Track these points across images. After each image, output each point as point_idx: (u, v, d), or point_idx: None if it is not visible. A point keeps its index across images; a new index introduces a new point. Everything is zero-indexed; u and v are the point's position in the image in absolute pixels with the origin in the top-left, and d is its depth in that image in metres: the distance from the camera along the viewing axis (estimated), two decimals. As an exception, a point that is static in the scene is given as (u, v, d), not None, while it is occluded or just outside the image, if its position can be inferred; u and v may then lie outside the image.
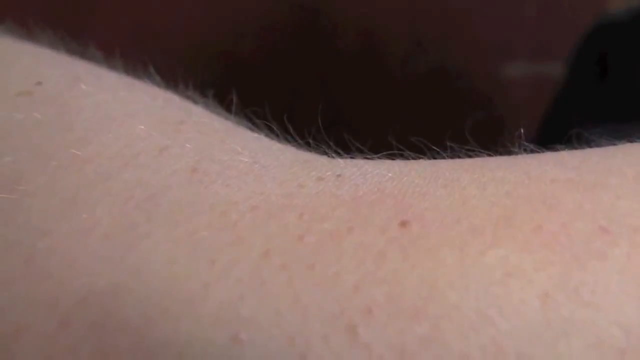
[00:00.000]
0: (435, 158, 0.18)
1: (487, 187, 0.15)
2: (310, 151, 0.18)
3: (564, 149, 0.17)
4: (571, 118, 0.42)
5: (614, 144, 0.17)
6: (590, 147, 0.17)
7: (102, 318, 0.15)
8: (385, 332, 0.13)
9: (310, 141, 0.19)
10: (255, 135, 0.19)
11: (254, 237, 0.15)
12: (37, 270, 0.15)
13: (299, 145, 0.19)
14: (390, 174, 0.16)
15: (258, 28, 0.64)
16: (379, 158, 0.17)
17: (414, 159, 0.17)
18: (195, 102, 0.20)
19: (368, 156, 0.17)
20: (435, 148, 0.18)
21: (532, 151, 0.17)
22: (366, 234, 0.14)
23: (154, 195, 0.16)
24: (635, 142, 0.17)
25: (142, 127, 0.18)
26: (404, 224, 0.14)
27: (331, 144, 0.19)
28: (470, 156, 0.17)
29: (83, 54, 0.22)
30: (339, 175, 0.16)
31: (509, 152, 0.18)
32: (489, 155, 0.18)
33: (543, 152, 0.17)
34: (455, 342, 0.13)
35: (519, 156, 0.17)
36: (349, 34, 0.65)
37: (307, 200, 0.15)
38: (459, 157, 0.18)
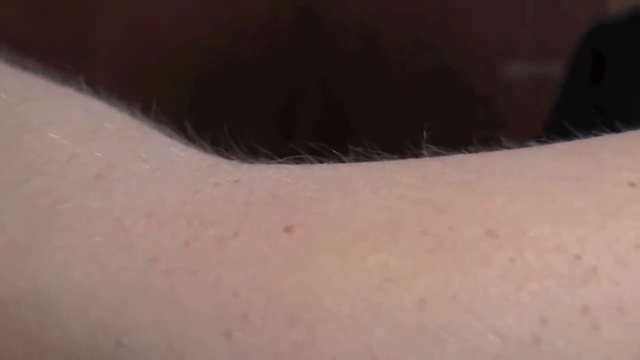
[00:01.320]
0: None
1: (380, 191, 0.15)
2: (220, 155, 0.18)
3: None
4: (568, 120, 0.42)
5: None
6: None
7: (4, 324, 0.15)
8: (260, 337, 0.13)
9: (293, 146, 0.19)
10: (171, 142, 0.19)
11: (143, 243, 0.15)
12: None
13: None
14: (287, 179, 0.16)
15: (258, 28, 0.64)
16: (278, 163, 0.17)
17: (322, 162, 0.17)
18: (120, 110, 0.21)
19: (279, 161, 0.17)
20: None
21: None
22: (251, 239, 0.14)
23: (56, 201, 0.16)
24: (547, 142, 0.17)
25: (56, 135, 0.18)
26: (288, 229, 0.14)
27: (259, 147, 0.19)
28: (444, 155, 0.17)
29: (17, 63, 0.22)
30: (237, 181, 0.16)
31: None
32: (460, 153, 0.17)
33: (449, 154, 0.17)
34: (328, 348, 0.13)
35: (427, 159, 0.17)
36: (349, 34, 0.65)
37: (200, 206, 0.15)
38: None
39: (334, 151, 0.18)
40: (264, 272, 0.14)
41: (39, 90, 0.21)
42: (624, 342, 0.13)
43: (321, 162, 0.17)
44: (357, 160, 0.17)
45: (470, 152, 0.17)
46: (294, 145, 0.19)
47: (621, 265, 0.13)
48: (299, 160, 0.17)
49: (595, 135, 0.17)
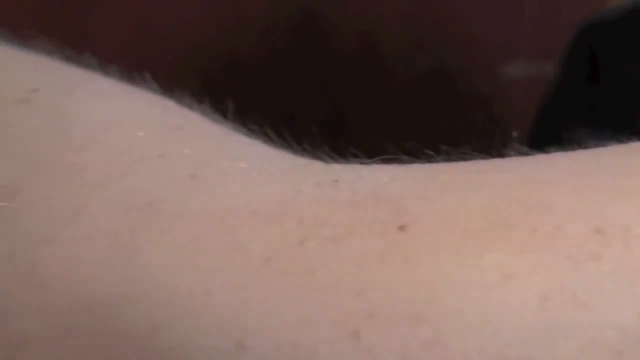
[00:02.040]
0: (430, 161, 0.18)
1: (481, 189, 0.15)
2: (307, 156, 0.18)
3: (555, 151, 0.17)
4: (562, 119, 0.42)
5: (603, 145, 0.17)
6: (580, 148, 0.17)
7: (109, 326, 0.15)
8: (389, 336, 0.13)
9: (307, 147, 0.19)
10: (252, 141, 0.19)
11: (255, 243, 0.15)
12: (40, 278, 0.15)
13: (295, 151, 0.19)
14: (386, 178, 0.16)
15: (258, 29, 0.64)
16: (374, 163, 0.17)
17: (409, 163, 0.17)
18: (192, 108, 0.20)
19: (364, 161, 0.18)
20: (430, 152, 0.18)
21: (525, 154, 0.17)
22: (366, 239, 0.14)
23: (153, 201, 0.16)
24: (624, 142, 0.17)
25: (141, 133, 0.18)
26: (402, 228, 0.14)
27: (326, 149, 0.19)
28: (464, 159, 0.17)
29: (79, 61, 0.22)
30: (336, 181, 0.16)
31: (501, 156, 0.18)
32: (483, 158, 0.18)
33: (534, 154, 0.17)
34: (456, 346, 0.13)
35: (511, 158, 0.17)
36: (349, 35, 0.66)
37: (305, 205, 0.15)
38: (453, 160, 0.18)
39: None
40: (384, 271, 0.14)
41: (109, 87, 0.21)
42: None
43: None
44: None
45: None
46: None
47: None
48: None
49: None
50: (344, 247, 0.14)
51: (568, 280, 0.14)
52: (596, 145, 0.17)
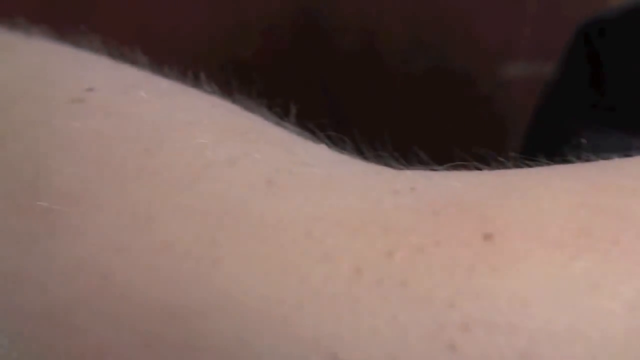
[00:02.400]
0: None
1: (560, 197, 0.15)
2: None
3: (566, 156, 0.17)
4: (562, 120, 0.42)
5: None
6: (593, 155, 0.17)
7: (191, 339, 0.14)
8: (485, 348, 0.13)
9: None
10: (317, 144, 0.18)
11: (343, 253, 0.14)
12: (116, 288, 0.15)
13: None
14: (460, 185, 0.16)
15: (259, 30, 0.64)
16: (443, 169, 0.17)
17: (478, 169, 0.17)
18: (249, 109, 0.20)
19: (434, 167, 0.17)
20: (500, 159, 0.18)
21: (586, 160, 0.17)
22: (453, 248, 0.14)
23: (231, 209, 0.15)
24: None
25: (208, 136, 0.17)
26: (487, 237, 0.14)
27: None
28: (528, 166, 0.17)
29: (127, 59, 0.21)
30: (413, 188, 0.16)
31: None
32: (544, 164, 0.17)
33: (595, 160, 0.17)
34: (552, 355, 0.13)
35: (575, 165, 0.17)
36: (349, 35, 0.65)
37: (388, 214, 0.15)
38: (519, 166, 0.18)
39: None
40: (474, 281, 0.14)
41: (167, 86, 0.20)
42: None
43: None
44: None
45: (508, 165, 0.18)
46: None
47: None
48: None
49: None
50: (432, 257, 0.14)
51: None
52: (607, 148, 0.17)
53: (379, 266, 0.14)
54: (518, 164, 0.18)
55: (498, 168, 0.17)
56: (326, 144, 0.19)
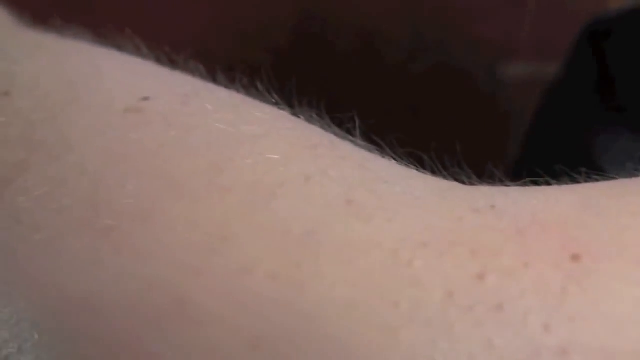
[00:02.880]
0: (573, 182, 0.17)
1: (638, 213, 0.15)
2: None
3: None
4: (568, 122, 0.42)
5: None
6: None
7: None
8: None
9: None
10: (384, 159, 0.18)
11: (433, 276, 0.14)
12: (192, 313, 0.14)
13: None
14: (540, 204, 0.15)
15: (258, 30, 0.64)
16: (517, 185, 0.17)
17: (548, 184, 0.17)
18: (311, 121, 0.19)
19: (506, 183, 0.17)
20: (573, 175, 0.18)
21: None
22: (543, 270, 0.14)
23: (314, 230, 0.15)
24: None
25: (278, 151, 0.16)
26: (575, 257, 0.14)
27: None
28: (598, 180, 0.17)
29: (183, 68, 0.20)
30: (493, 206, 0.15)
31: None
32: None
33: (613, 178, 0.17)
34: None
35: (628, 180, 0.17)
36: (349, 35, 0.65)
37: (472, 234, 0.15)
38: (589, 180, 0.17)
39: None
40: (567, 304, 0.13)
41: (226, 97, 0.19)
42: None
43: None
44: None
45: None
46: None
47: None
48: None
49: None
50: (523, 280, 0.14)
51: None
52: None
53: (470, 290, 0.14)
54: (587, 179, 0.17)
55: (567, 182, 0.17)
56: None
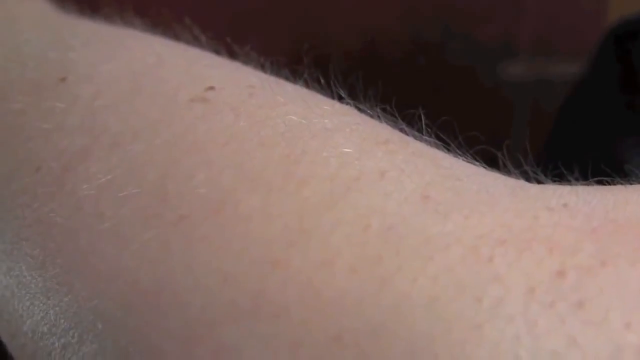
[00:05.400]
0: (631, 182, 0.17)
1: None
2: None
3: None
4: (592, 122, 0.41)
5: None
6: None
7: (359, 358, 0.13)
8: None
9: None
10: (453, 156, 0.18)
11: (513, 273, 0.14)
12: (271, 307, 0.14)
13: None
14: (611, 202, 0.15)
15: (258, 30, 0.64)
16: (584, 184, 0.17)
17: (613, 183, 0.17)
18: (375, 116, 0.18)
19: (574, 182, 0.17)
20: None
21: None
22: (619, 268, 0.14)
23: (393, 225, 0.14)
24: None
25: (350, 145, 0.16)
26: None
27: None
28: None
29: (242, 59, 0.19)
30: (565, 205, 0.15)
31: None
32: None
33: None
34: None
35: None
36: (349, 35, 0.65)
37: (548, 232, 0.14)
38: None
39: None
40: None
41: (291, 90, 0.19)
42: None
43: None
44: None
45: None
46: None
47: None
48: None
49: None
50: (601, 278, 0.14)
51: None
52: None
53: (551, 287, 0.14)
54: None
55: (629, 182, 0.17)
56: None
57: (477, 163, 0.18)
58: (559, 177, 0.18)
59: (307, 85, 0.19)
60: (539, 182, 0.17)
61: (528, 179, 0.18)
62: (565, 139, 0.44)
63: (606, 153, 0.36)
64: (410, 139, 0.18)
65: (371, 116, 0.18)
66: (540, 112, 0.62)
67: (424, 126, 0.19)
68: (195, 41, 0.20)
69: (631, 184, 0.17)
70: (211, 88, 0.17)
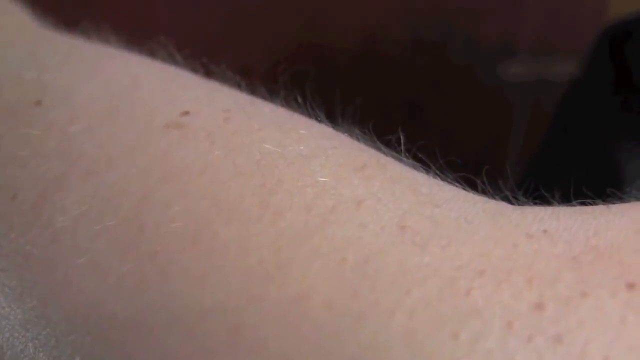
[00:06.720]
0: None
1: None
2: None
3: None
4: (587, 123, 0.41)
5: None
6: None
7: None
8: None
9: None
10: (429, 177, 0.17)
11: (491, 306, 0.14)
12: (248, 341, 0.14)
13: None
14: (592, 228, 0.15)
15: (260, 31, 0.64)
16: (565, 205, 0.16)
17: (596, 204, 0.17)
18: (351, 134, 0.18)
19: (556, 205, 0.17)
20: (618, 193, 0.18)
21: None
22: (599, 299, 0.14)
23: (369, 257, 0.14)
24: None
25: (326, 172, 0.16)
26: (631, 286, 0.14)
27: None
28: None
29: (220, 78, 0.19)
30: (545, 231, 0.15)
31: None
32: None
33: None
34: None
35: None
36: (349, 35, 0.66)
37: (527, 261, 0.14)
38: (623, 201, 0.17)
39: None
40: (626, 334, 0.13)
41: (269, 112, 0.18)
42: None
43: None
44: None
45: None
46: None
47: None
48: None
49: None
50: (581, 309, 0.13)
51: None
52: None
53: (529, 320, 0.13)
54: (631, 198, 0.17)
55: (612, 202, 0.17)
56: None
57: (458, 185, 0.17)
58: (541, 199, 0.17)
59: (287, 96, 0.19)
60: (520, 203, 0.17)
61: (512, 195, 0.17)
62: (562, 137, 0.44)
63: (601, 151, 0.36)
64: (388, 161, 0.17)
65: (350, 135, 0.18)
66: (540, 112, 0.62)
67: (403, 149, 0.18)
68: (170, 59, 0.20)
69: (613, 203, 0.16)
70: (186, 113, 0.17)
